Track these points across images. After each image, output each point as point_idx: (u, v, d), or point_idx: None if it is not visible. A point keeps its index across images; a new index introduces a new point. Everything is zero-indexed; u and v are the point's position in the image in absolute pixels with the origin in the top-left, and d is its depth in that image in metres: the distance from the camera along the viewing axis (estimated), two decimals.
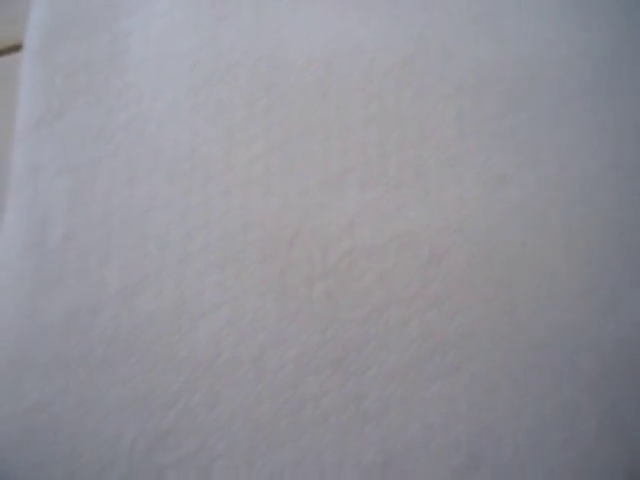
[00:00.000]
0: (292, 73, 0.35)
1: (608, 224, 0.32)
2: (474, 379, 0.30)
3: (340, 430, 0.29)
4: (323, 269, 0.32)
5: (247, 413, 0.29)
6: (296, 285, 0.31)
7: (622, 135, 0.34)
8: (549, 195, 0.33)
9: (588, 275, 0.32)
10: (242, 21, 0.37)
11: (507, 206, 0.33)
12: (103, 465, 0.28)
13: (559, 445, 0.29)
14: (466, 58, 0.36)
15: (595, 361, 0.30)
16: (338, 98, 0.35)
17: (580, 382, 0.30)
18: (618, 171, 0.34)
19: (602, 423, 0.29)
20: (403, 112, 0.35)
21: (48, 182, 0.33)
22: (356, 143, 0.34)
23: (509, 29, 0.36)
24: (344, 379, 0.30)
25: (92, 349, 0.30)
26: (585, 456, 0.28)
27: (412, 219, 0.33)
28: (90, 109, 0.35)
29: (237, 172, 0.33)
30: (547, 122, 0.35)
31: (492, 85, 0.35)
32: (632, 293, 0.31)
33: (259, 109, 0.35)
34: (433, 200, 0.33)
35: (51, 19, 0.37)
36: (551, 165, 0.34)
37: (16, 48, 0.36)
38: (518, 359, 0.30)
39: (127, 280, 0.31)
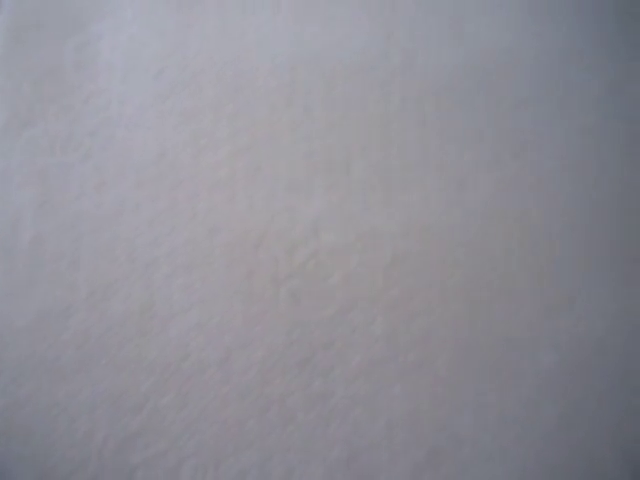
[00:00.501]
0: (257, 78, 0.36)
1: (564, 224, 0.33)
2: (436, 377, 0.31)
3: (306, 429, 0.30)
4: (289, 271, 0.32)
5: (215, 414, 0.30)
6: (262, 287, 0.32)
7: (573, 136, 0.35)
8: (508, 196, 0.34)
9: (545, 274, 0.32)
10: (207, 28, 0.37)
11: (468, 208, 0.33)
12: (74, 465, 0.29)
13: (519, 441, 0.29)
14: (429, 63, 0.36)
15: (554, 358, 0.31)
16: (303, 103, 0.35)
17: (540, 379, 0.31)
18: (575, 172, 0.34)
19: (562, 419, 0.30)
20: (367, 116, 0.35)
21: (17, 188, 0.33)
22: (321, 147, 0.35)
23: (470, 36, 0.37)
24: (309, 379, 0.31)
25: (63, 351, 0.31)
26: (545, 451, 0.29)
27: (376, 221, 0.33)
28: (58, 115, 0.35)
29: (204, 177, 0.34)
30: (507, 125, 0.35)
31: (454, 90, 0.36)
32: (587, 291, 0.32)
33: (225, 114, 0.35)
34: (396, 202, 0.34)
35: (17, 25, 0.37)
36: (510, 167, 0.34)
37: None
38: (478, 358, 0.31)
39: (97, 284, 0.32)
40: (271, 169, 0.34)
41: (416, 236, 0.33)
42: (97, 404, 0.30)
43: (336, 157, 0.34)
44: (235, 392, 0.30)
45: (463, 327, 0.31)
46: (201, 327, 0.31)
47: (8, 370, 0.30)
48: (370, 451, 0.29)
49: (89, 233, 0.33)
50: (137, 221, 0.33)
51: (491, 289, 0.32)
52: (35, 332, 0.31)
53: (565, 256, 0.33)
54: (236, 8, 0.37)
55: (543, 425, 0.30)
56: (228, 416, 0.30)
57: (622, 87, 0.36)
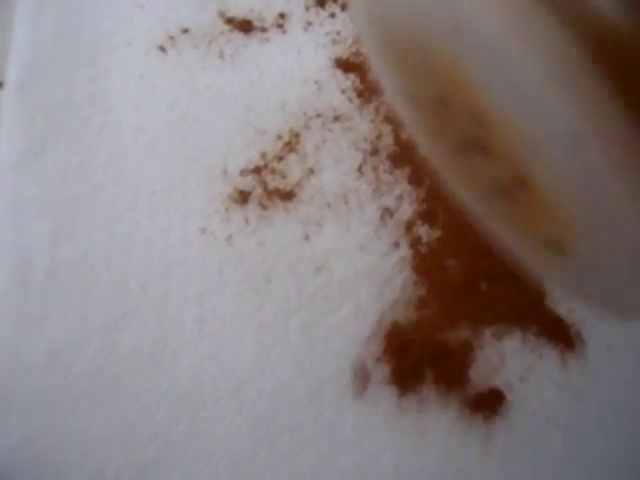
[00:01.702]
0: (268, 113, 0.36)
1: None
2: None
3: (316, 459, 0.30)
4: (298, 303, 0.33)
5: (227, 444, 0.30)
6: (272, 319, 0.33)
7: None
8: None
9: None
10: (219, 60, 0.38)
11: None
12: None
13: None
14: None
15: None
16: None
17: None
18: None
19: None
20: None
21: (30, 221, 0.34)
22: None
23: None
24: (320, 410, 0.31)
25: (76, 384, 0.31)
26: None
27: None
28: (71, 147, 0.35)
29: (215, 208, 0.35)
30: None
31: None
32: None
33: (236, 147, 0.36)
34: None
35: (32, 57, 0.37)
36: None
37: None
38: None
39: (109, 315, 0.32)
40: None
41: None
42: (110, 436, 0.30)
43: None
44: (247, 423, 0.31)
45: None
46: (213, 358, 0.32)
47: (20, 404, 0.30)
48: None
49: (101, 265, 0.33)
50: (149, 252, 0.34)
51: None
52: (47, 365, 0.31)
53: None
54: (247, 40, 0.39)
55: None
56: (240, 447, 0.30)
57: None
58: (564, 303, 0.33)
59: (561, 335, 0.32)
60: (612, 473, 0.30)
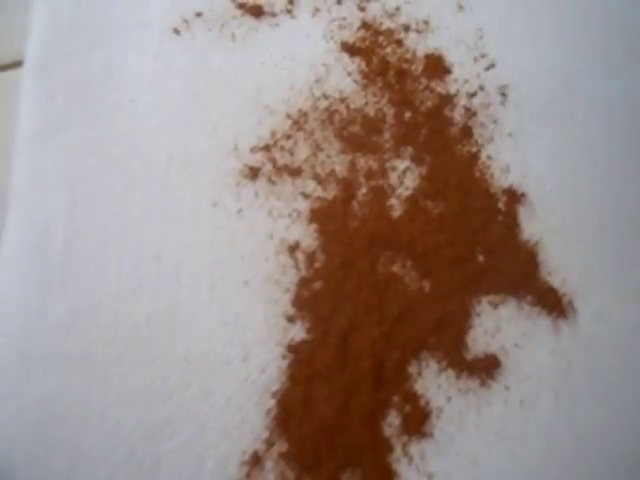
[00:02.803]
0: (277, 93, 0.38)
1: None
2: None
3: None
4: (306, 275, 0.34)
5: (236, 407, 0.32)
6: (281, 289, 0.34)
7: None
8: None
9: None
10: (231, 43, 0.39)
11: None
12: (105, 451, 0.31)
13: None
14: None
15: None
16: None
17: None
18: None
19: None
20: None
21: (48, 193, 0.35)
22: None
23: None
24: None
25: (93, 347, 0.32)
26: None
27: None
28: (88, 122, 0.37)
29: (226, 182, 0.36)
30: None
31: None
32: None
33: (247, 125, 0.37)
34: None
35: (50, 36, 0.39)
36: None
37: (17, 64, 0.38)
38: None
39: (124, 284, 0.34)
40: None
41: None
42: (126, 397, 0.32)
43: None
44: (255, 387, 0.32)
45: None
46: (224, 325, 0.33)
47: (41, 364, 0.32)
48: None
49: (116, 235, 0.35)
50: (163, 224, 0.35)
51: None
52: (65, 329, 0.33)
53: None
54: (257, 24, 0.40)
55: None
56: (247, 410, 0.32)
57: None
58: (558, 274, 0.35)
59: (554, 304, 0.33)
60: (599, 437, 0.32)
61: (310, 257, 0.35)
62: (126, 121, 0.37)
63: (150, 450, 0.31)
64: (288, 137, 0.37)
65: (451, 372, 0.33)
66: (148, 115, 0.37)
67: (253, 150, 0.37)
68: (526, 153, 0.37)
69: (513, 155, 0.37)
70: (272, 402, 0.32)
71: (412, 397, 0.32)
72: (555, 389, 0.32)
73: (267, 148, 0.37)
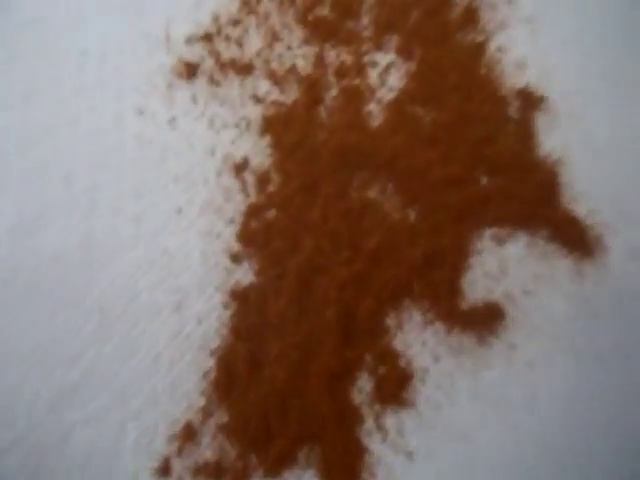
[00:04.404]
0: None
1: None
2: None
3: None
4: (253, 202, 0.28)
5: (167, 367, 0.26)
6: (224, 219, 0.28)
7: None
8: None
9: None
10: None
11: None
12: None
13: None
14: None
15: None
16: None
17: None
18: None
19: None
20: None
21: None
22: None
23: None
24: None
25: None
26: None
27: None
28: None
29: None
30: None
31: None
32: None
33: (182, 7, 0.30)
34: None
35: None
36: None
37: None
38: None
39: (26, 210, 0.28)
40: None
41: None
42: (26, 353, 0.27)
43: None
44: (190, 340, 0.26)
45: None
46: (151, 264, 0.27)
47: None
48: None
49: (15, 150, 0.29)
50: (75, 136, 0.29)
51: None
52: None
53: None
54: None
55: None
56: (182, 369, 0.26)
57: None
58: (583, 201, 0.28)
59: (577, 239, 0.27)
60: (632, 406, 0.26)
61: (262, 179, 0.29)
62: (31, 7, 0.30)
63: (57, 421, 0.26)
64: (235, 23, 0.31)
65: (440, 326, 0.27)
66: None
67: (189, 40, 0.31)
68: (548, 44, 0.31)
69: (531, 46, 0.31)
70: (210, 362, 0.27)
71: (389, 356, 0.27)
72: (575, 348, 0.26)
73: (208, 38, 0.31)
